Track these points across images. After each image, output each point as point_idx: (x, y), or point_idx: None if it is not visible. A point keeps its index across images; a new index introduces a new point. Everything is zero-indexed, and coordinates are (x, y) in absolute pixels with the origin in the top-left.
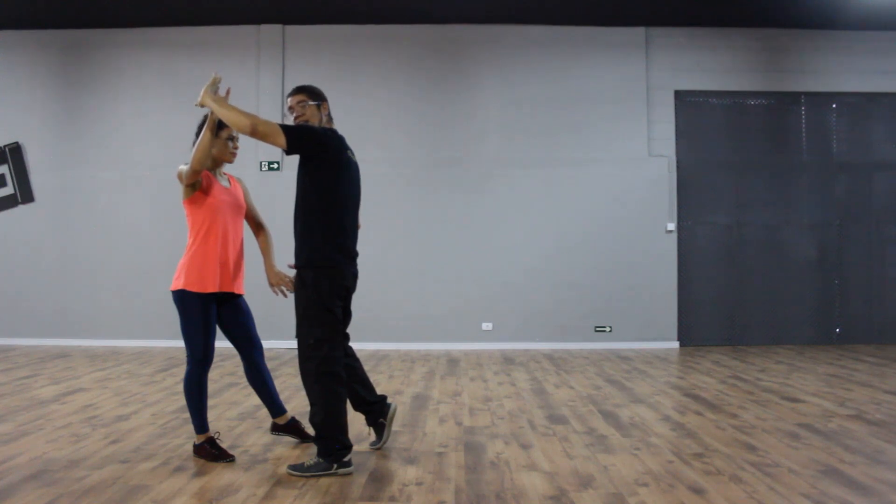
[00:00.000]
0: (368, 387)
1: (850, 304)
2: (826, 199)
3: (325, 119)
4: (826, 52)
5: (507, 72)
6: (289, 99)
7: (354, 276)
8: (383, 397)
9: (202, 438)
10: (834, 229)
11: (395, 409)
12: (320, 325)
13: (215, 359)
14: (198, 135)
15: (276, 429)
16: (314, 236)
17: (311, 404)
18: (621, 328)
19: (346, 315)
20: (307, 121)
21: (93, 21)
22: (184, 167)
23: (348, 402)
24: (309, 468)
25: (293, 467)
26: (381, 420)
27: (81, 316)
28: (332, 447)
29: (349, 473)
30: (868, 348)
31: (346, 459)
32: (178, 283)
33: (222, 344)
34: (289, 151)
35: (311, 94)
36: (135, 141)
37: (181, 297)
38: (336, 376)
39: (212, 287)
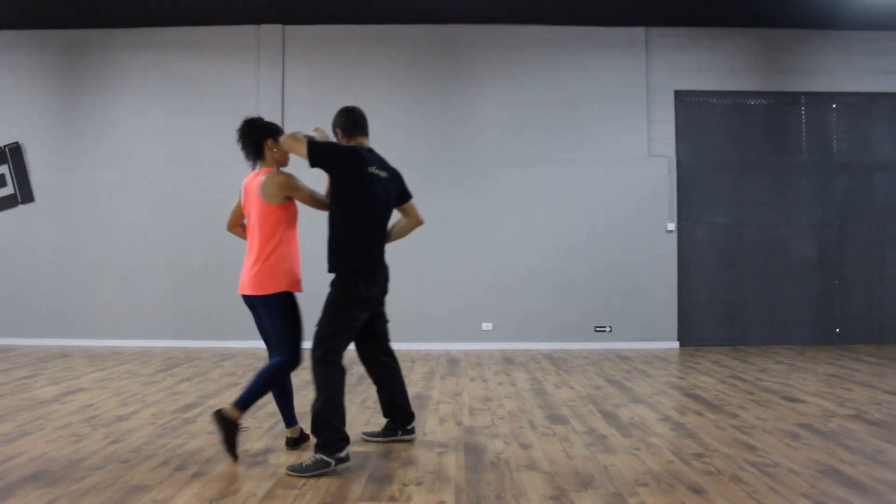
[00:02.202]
0: (405, 396)
1: (850, 304)
2: (826, 199)
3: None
4: (826, 52)
5: (507, 72)
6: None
7: (385, 279)
8: (412, 415)
9: (236, 415)
10: (834, 229)
11: (412, 438)
12: (336, 322)
13: (214, 358)
14: (252, 141)
15: (290, 444)
16: (345, 245)
17: (315, 391)
18: (621, 328)
19: (381, 318)
20: None
21: (93, 21)
22: (279, 183)
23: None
24: (308, 468)
25: (292, 468)
26: (399, 430)
27: (81, 316)
28: (329, 437)
29: (348, 469)
30: (868, 348)
31: (343, 455)
32: (278, 286)
33: (223, 344)
34: (311, 164)
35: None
36: (135, 141)
37: (282, 300)
38: (337, 365)
39: (299, 287)
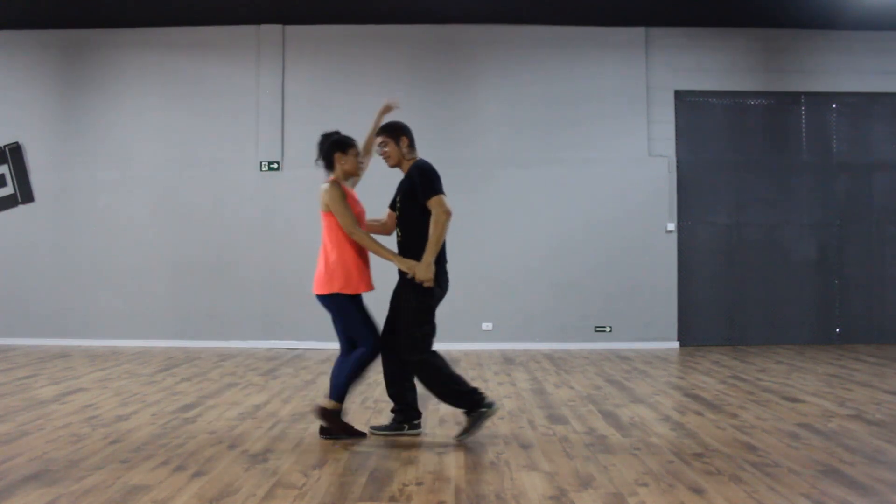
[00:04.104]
0: (414, 393)
1: (850, 304)
2: (826, 199)
3: (405, 150)
4: (826, 52)
5: (507, 72)
6: (377, 138)
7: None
8: (419, 412)
9: (333, 405)
10: (834, 229)
11: (418, 433)
12: (427, 324)
13: (214, 358)
14: (323, 155)
15: (317, 412)
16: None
17: (427, 384)
18: (621, 328)
19: None
20: (389, 157)
21: (93, 21)
22: (329, 196)
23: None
24: (471, 428)
25: (459, 436)
26: (405, 425)
27: (81, 316)
28: (469, 400)
29: (496, 411)
30: (868, 348)
31: (487, 401)
32: (331, 288)
33: (223, 344)
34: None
35: (390, 131)
36: (135, 141)
37: (336, 301)
38: (436, 355)
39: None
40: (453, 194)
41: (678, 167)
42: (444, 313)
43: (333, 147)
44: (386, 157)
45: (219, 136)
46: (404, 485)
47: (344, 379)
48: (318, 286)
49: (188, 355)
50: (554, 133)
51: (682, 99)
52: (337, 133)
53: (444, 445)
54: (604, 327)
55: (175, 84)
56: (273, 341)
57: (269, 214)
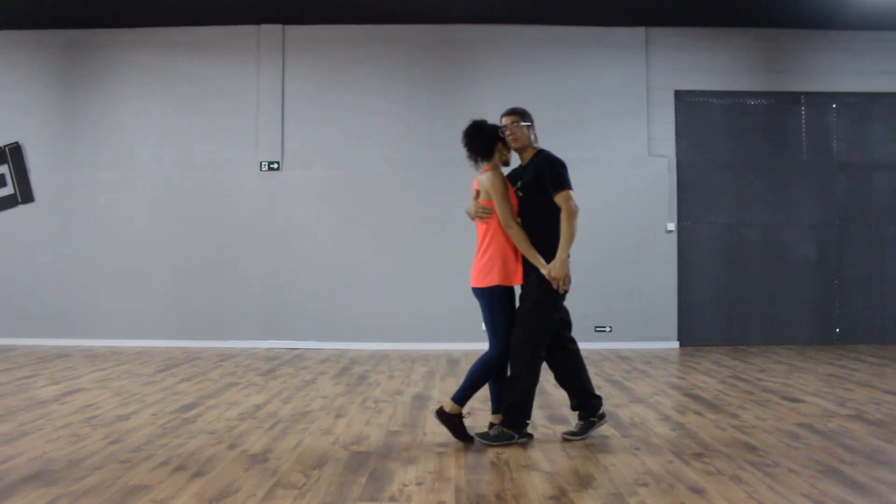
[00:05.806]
0: (587, 378)
1: (850, 304)
2: (826, 199)
3: (533, 138)
4: (826, 52)
5: (507, 72)
6: (503, 119)
7: None
8: (600, 398)
9: (456, 410)
10: (834, 229)
11: (604, 420)
12: (547, 317)
13: (214, 358)
14: (483, 143)
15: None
16: (553, 241)
17: (515, 378)
18: (621, 328)
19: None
20: (517, 139)
21: (93, 21)
22: (491, 184)
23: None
24: (495, 437)
25: (481, 435)
26: (592, 419)
27: (81, 316)
28: (520, 420)
29: (526, 443)
30: (868, 348)
31: (525, 431)
32: (491, 281)
33: (223, 344)
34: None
35: (523, 114)
36: (135, 141)
37: (494, 294)
38: (541, 360)
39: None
40: (454, 194)
41: (678, 167)
42: (444, 313)
43: (497, 136)
44: (514, 138)
45: (219, 136)
46: (404, 485)
47: (467, 384)
48: (476, 278)
49: (188, 355)
50: (554, 133)
51: (682, 99)
52: (485, 121)
53: (444, 445)
54: (604, 327)
55: (175, 84)
56: (273, 341)
57: (269, 214)
